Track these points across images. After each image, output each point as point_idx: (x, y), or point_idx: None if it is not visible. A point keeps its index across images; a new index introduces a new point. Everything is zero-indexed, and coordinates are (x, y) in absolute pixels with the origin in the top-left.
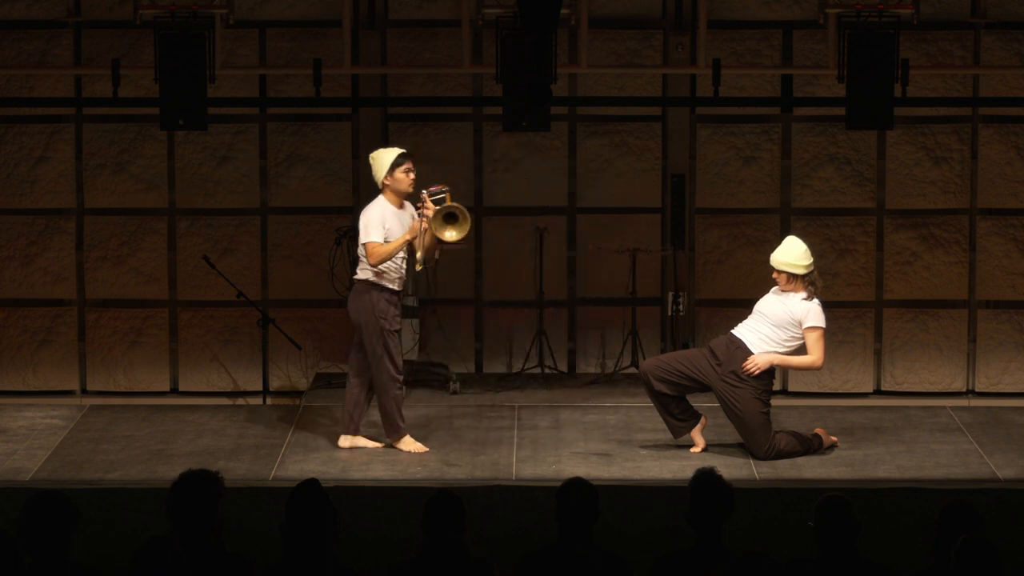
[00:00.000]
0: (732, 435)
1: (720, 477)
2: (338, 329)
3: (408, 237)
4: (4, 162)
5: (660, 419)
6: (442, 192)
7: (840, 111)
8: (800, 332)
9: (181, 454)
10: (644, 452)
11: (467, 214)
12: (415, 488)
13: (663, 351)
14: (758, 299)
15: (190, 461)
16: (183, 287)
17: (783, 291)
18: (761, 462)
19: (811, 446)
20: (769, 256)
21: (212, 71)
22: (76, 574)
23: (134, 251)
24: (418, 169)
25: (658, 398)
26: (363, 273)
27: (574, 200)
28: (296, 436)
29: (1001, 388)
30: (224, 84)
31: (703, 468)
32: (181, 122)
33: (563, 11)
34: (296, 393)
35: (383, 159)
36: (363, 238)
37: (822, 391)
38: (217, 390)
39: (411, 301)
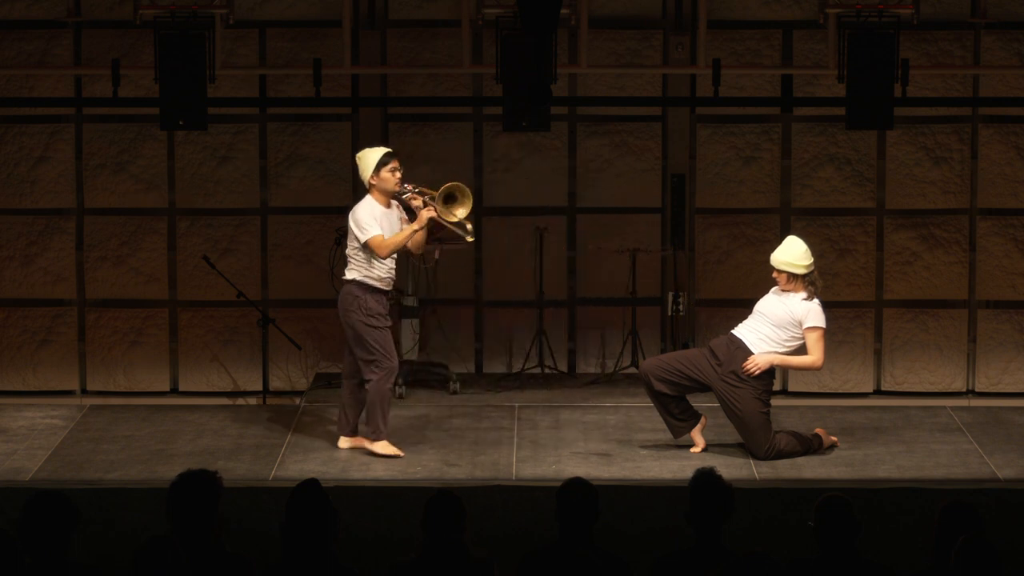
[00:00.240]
0: (732, 435)
1: (720, 477)
2: (338, 329)
3: (417, 227)
4: (4, 162)
5: (660, 419)
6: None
7: (840, 111)
8: (800, 332)
9: (181, 454)
10: (644, 452)
11: (464, 189)
12: (415, 488)
13: (663, 351)
14: (758, 299)
15: (190, 461)
16: (183, 287)
17: (783, 291)
18: (761, 462)
19: (811, 446)
20: (769, 256)
21: (212, 71)
22: (76, 574)
23: (134, 251)
24: (418, 169)
25: (658, 398)
26: (352, 273)
27: (574, 200)
28: (296, 436)
29: (1001, 388)
30: (224, 84)
31: (703, 468)
32: (181, 122)
33: (563, 11)
34: (296, 393)
35: (368, 159)
36: (362, 236)
37: (822, 391)
38: (217, 390)
39: (411, 301)
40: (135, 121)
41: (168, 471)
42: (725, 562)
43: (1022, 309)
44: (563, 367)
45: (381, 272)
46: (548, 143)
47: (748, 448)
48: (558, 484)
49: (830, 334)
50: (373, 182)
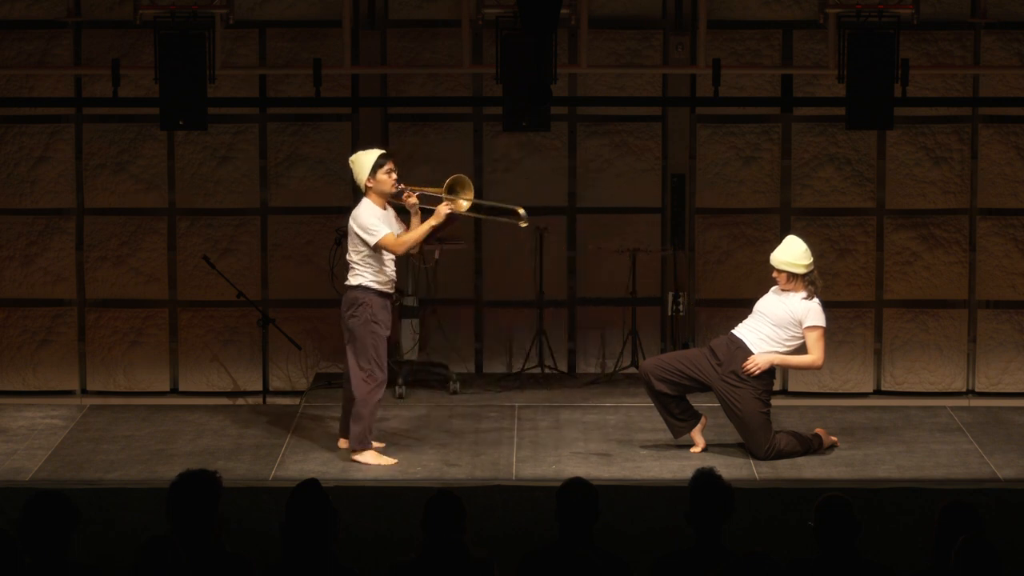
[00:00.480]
0: (732, 435)
1: (720, 477)
2: (338, 329)
3: (435, 222)
4: (4, 162)
5: (660, 419)
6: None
7: (840, 111)
8: (800, 331)
9: (181, 454)
10: (644, 452)
11: (463, 179)
12: (415, 488)
13: (663, 351)
14: (758, 299)
15: (190, 461)
16: (183, 287)
17: (783, 290)
18: (761, 462)
19: (811, 446)
20: (769, 256)
21: (212, 71)
22: (76, 574)
23: (134, 251)
24: (418, 169)
25: (658, 398)
26: (357, 279)
27: (574, 200)
28: (296, 436)
29: (1001, 388)
30: (224, 84)
31: (703, 468)
32: (181, 122)
33: (563, 11)
34: (296, 393)
35: (364, 162)
36: (372, 239)
37: (822, 391)
38: (217, 390)
39: (411, 301)
40: (135, 121)
41: (168, 471)
42: (725, 562)
43: (1022, 309)
44: (563, 367)
45: (386, 276)
46: (548, 143)
47: (748, 448)
48: (558, 484)
49: (830, 334)
50: (370, 185)
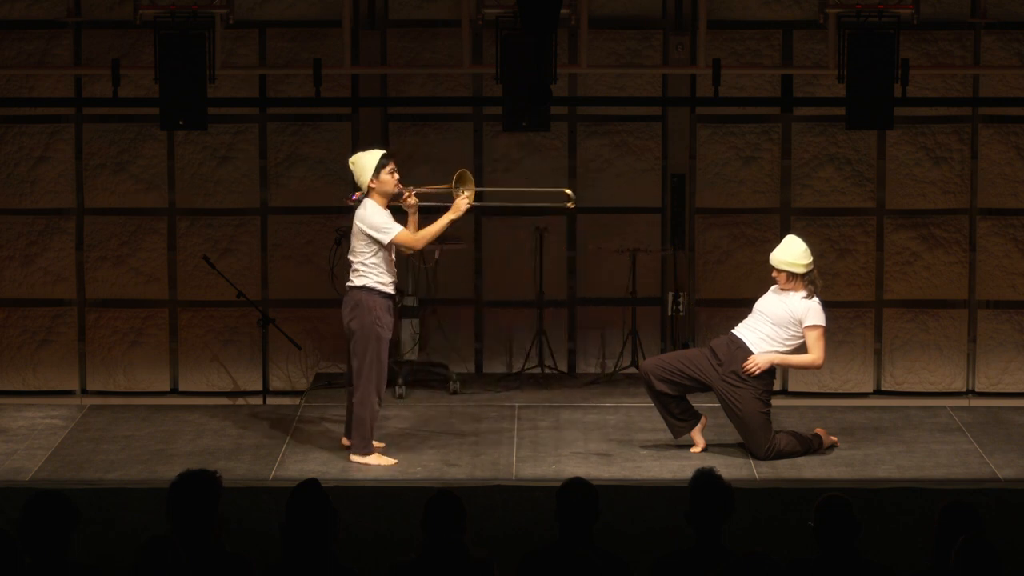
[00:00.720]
0: (732, 435)
1: (720, 477)
2: (338, 329)
3: (453, 216)
4: (4, 162)
5: (660, 419)
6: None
7: (840, 111)
8: (800, 331)
9: (181, 454)
10: (644, 452)
11: (464, 174)
12: (415, 488)
13: (663, 351)
14: (758, 299)
15: (190, 461)
16: (183, 287)
17: (783, 290)
18: (761, 462)
19: (811, 446)
20: (769, 256)
21: (212, 71)
22: (76, 574)
23: (134, 251)
24: (418, 169)
25: (659, 398)
26: (361, 280)
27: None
28: (296, 436)
29: (1001, 388)
30: (224, 84)
31: (703, 468)
32: (181, 122)
33: (563, 11)
34: (296, 393)
35: (366, 163)
36: (386, 237)
37: (822, 391)
38: (217, 390)
39: (411, 301)
40: (135, 121)
41: (168, 471)
42: (725, 562)
43: (1022, 309)
44: (563, 367)
45: (390, 277)
46: (548, 143)
47: (748, 448)
48: (558, 484)
49: (830, 334)
50: (373, 185)
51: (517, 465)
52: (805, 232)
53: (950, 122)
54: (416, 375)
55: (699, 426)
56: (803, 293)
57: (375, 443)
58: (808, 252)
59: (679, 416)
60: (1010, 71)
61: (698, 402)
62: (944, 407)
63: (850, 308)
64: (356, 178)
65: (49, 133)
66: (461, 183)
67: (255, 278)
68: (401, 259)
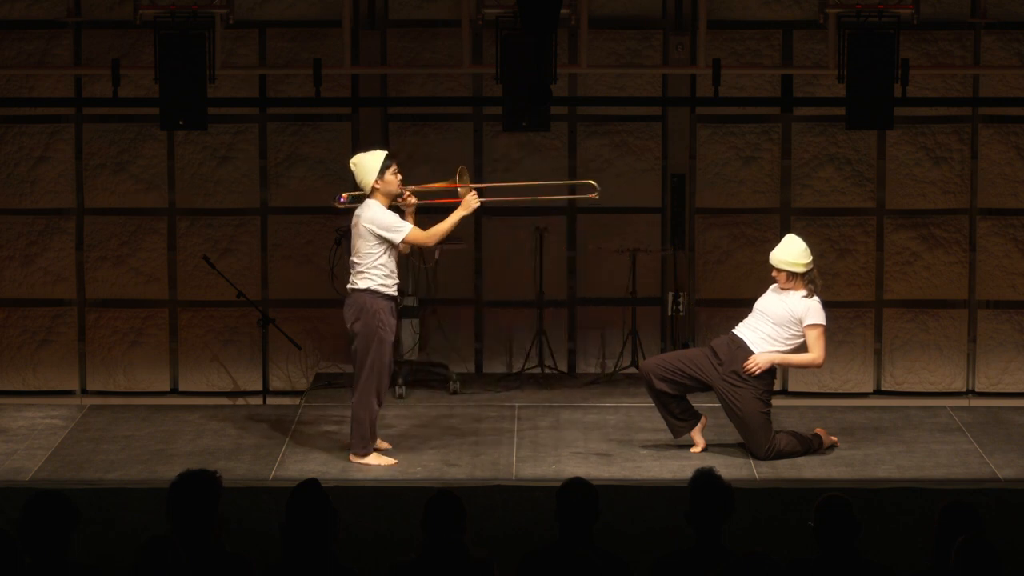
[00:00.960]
0: (732, 435)
1: (720, 477)
2: (338, 329)
3: (464, 212)
4: (4, 162)
5: (660, 419)
6: (352, 196)
7: (840, 111)
8: (800, 330)
9: (181, 454)
10: (644, 452)
11: (461, 169)
12: (415, 488)
13: (663, 351)
14: (758, 299)
15: (190, 461)
16: (183, 287)
17: (783, 289)
18: (761, 462)
19: (811, 446)
20: (769, 255)
21: (212, 71)
22: (76, 574)
23: (134, 251)
24: (418, 169)
25: (659, 397)
26: (365, 282)
27: (574, 200)
28: (296, 436)
29: (1001, 388)
30: (224, 84)
31: (703, 468)
32: (181, 122)
33: (563, 11)
34: (296, 393)
35: (369, 164)
36: (397, 236)
37: (822, 391)
38: (217, 390)
39: (411, 301)
40: (135, 121)
41: (168, 471)
42: (725, 562)
43: (1022, 309)
44: (563, 367)
45: (394, 279)
46: (548, 143)
47: (748, 448)
48: (558, 484)
49: (830, 334)
50: (377, 186)
51: (517, 465)
52: (805, 232)
53: (950, 122)
54: (416, 375)
55: (699, 426)
56: (803, 292)
57: (382, 443)
58: (808, 251)
59: (679, 416)
60: (1010, 71)
61: (698, 402)
62: (944, 407)
63: (850, 308)
64: (358, 179)
65: (49, 133)
66: (462, 179)
67: (255, 278)
68: (401, 259)
